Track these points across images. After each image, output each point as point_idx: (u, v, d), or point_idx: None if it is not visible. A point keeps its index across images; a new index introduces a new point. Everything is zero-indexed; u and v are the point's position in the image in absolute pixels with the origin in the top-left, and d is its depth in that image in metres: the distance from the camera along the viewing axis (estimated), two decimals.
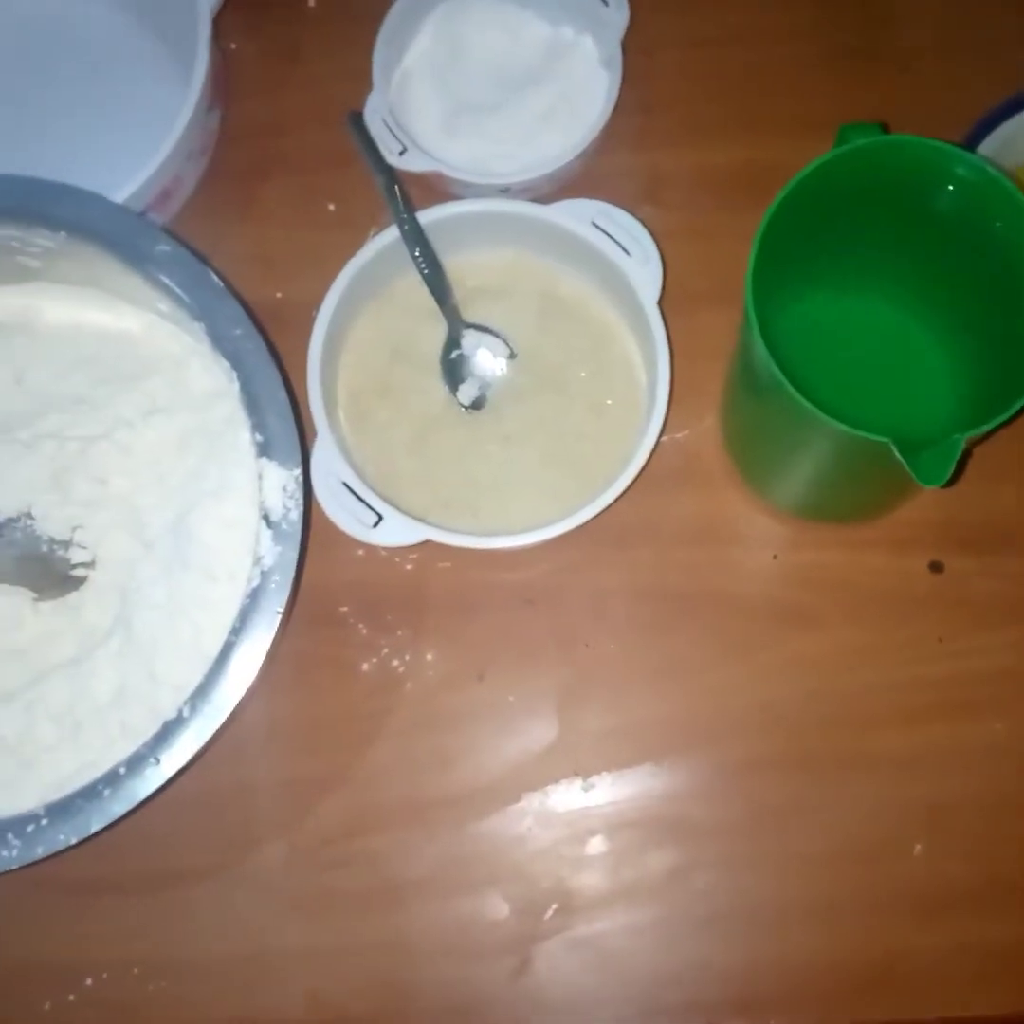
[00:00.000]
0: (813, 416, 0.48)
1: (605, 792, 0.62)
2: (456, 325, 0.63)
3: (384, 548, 0.64)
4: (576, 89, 0.67)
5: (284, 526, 0.52)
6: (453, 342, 0.63)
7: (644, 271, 0.59)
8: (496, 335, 0.63)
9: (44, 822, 0.50)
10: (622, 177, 0.68)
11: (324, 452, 0.58)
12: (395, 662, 0.63)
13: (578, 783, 0.62)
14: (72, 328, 0.61)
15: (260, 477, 0.53)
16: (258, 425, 0.53)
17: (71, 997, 0.60)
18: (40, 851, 0.50)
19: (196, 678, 0.52)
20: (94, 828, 0.50)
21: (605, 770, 0.62)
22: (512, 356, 0.63)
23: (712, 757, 0.62)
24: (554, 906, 0.60)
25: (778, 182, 0.68)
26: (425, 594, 0.64)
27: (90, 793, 0.50)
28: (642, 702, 0.63)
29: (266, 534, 0.52)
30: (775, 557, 0.64)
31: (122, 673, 0.55)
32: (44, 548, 0.57)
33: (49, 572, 0.58)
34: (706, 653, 0.63)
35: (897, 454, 0.46)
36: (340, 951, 0.60)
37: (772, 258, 0.50)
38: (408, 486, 0.62)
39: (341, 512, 0.58)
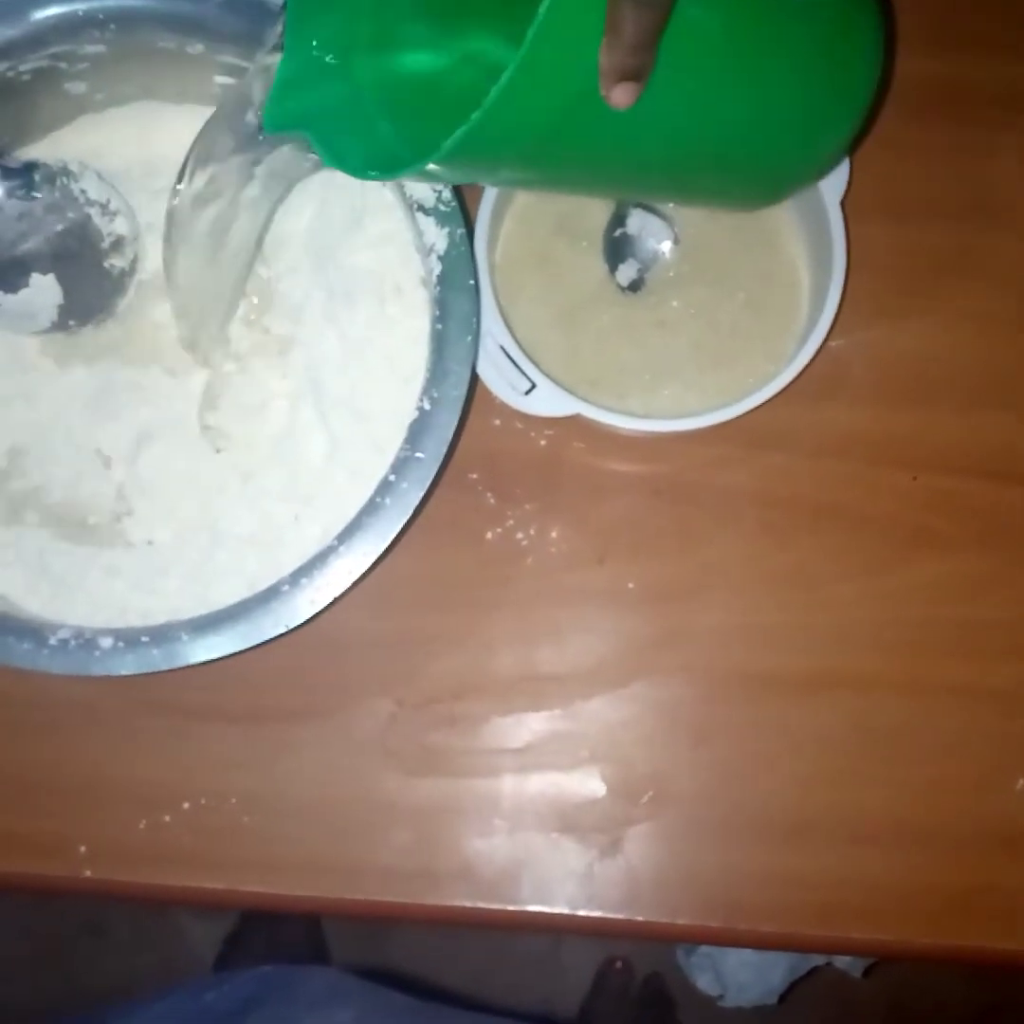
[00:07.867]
0: None
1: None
2: (625, 202, 0.62)
3: (521, 421, 0.63)
4: None
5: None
6: (619, 219, 0.62)
7: None
8: (663, 218, 0.62)
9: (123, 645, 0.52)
10: None
11: (484, 314, 0.57)
12: (519, 534, 0.62)
13: (685, 678, 0.62)
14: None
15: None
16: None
17: (167, 818, 0.60)
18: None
19: (312, 549, 0.54)
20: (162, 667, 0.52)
21: (714, 669, 0.62)
22: (676, 242, 0.62)
23: (821, 669, 0.62)
24: (650, 793, 0.61)
25: (972, 101, 0.66)
26: (556, 472, 0.63)
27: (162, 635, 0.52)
28: (759, 607, 0.62)
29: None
30: (915, 479, 0.63)
31: (257, 514, 0.58)
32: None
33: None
34: (830, 567, 0.62)
35: None
36: (432, 809, 0.61)
37: None
38: (553, 361, 0.61)
39: (495, 376, 0.57)
